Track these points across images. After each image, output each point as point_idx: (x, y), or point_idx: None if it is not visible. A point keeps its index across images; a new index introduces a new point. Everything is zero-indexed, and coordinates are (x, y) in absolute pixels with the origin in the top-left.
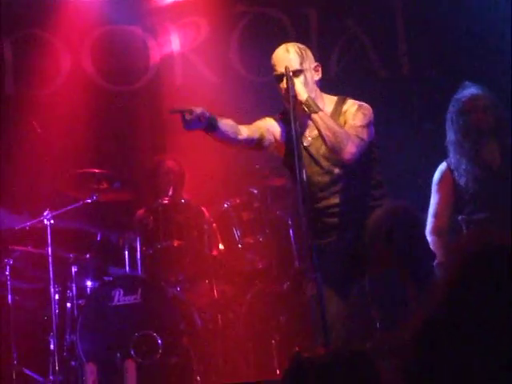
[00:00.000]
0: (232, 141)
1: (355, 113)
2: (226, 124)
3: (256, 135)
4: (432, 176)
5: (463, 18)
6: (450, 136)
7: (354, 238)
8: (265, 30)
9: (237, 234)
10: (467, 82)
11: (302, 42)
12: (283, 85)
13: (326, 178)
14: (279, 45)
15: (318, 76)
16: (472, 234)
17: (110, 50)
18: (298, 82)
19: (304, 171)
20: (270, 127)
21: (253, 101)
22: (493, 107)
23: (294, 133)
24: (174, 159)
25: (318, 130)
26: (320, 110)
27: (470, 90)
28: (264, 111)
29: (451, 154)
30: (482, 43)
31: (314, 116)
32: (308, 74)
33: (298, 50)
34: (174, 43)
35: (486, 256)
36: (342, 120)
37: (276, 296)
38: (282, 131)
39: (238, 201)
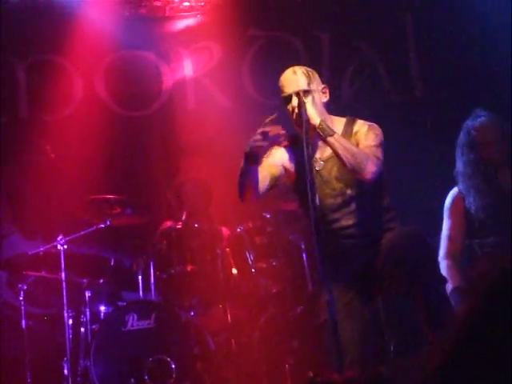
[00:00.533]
0: (255, 187)
1: (367, 133)
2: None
3: (267, 182)
4: (445, 200)
5: (476, 39)
6: (459, 167)
7: (367, 261)
8: (277, 54)
9: (250, 258)
10: (478, 110)
11: (315, 66)
12: (291, 106)
13: (339, 200)
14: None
15: (325, 98)
16: (490, 259)
17: (123, 75)
18: (310, 106)
19: (317, 196)
20: (277, 161)
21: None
22: (504, 137)
23: (306, 157)
24: (192, 182)
25: (336, 153)
26: (334, 132)
27: (480, 120)
28: None
29: (460, 184)
30: (495, 64)
31: (329, 139)
32: (316, 96)
33: (305, 72)
34: (187, 68)
35: (506, 280)
36: (353, 141)
37: (289, 320)
38: (291, 157)
39: (250, 225)
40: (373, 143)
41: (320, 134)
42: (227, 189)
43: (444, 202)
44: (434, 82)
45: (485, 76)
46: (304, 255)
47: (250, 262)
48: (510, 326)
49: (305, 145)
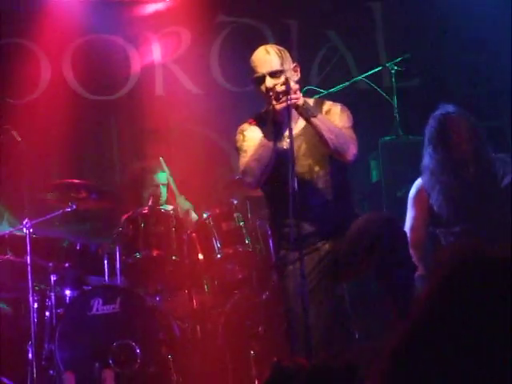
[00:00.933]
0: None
1: (341, 114)
2: None
3: None
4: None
5: (446, 28)
6: (427, 162)
7: (332, 246)
8: (245, 41)
9: (216, 244)
10: (447, 105)
11: None
12: (264, 86)
13: (307, 177)
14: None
15: (297, 76)
16: (452, 247)
17: (90, 60)
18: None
19: (296, 180)
20: (256, 140)
21: (234, 111)
22: (474, 135)
23: (290, 138)
24: (153, 169)
25: (319, 134)
26: (318, 112)
27: (451, 117)
28: (244, 120)
29: (425, 178)
30: (466, 53)
31: (313, 120)
32: (288, 74)
33: (277, 51)
34: (155, 53)
35: (467, 268)
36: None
37: (255, 306)
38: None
39: (217, 211)
40: (347, 125)
41: (302, 114)
42: (193, 175)
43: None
44: (402, 71)
45: (455, 65)
46: (270, 241)
47: (217, 248)
48: (465, 315)
49: (289, 125)
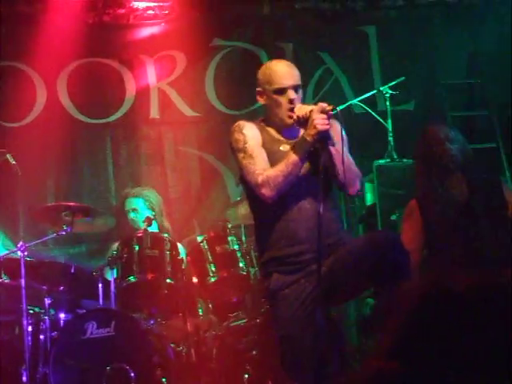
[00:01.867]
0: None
1: (343, 136)
2: None
3: None
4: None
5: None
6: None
7: (330, 267)
8: (240, 64)
9: (211, 267)
10: (435, 122)
11: None
12: (286, 98)
13: (303, 185)
14: (255, 78)
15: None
16: (420, 279)
17: (86, 83)
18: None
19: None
20: (260, 146)
21: (228, 133)
22: (459, 149)
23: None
24: (143, 194)
25: (331, 163)
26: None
27: (437, 132)
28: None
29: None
30: (460, 76)
31: (331, 148)
32: (300, 91)
33: (296, 67)
34: (150, 76)
35: (431, 300)
36: None
37: (249, 329)
38: (262, 138)
39: (212, 234)
40: (347, 150)
41: (323, 140)
42: (188, 199)
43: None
44: (397, 95)
45: (450, 89)
46: None
47: (211, 271)
48: (431, 340)
49: (325, 153)
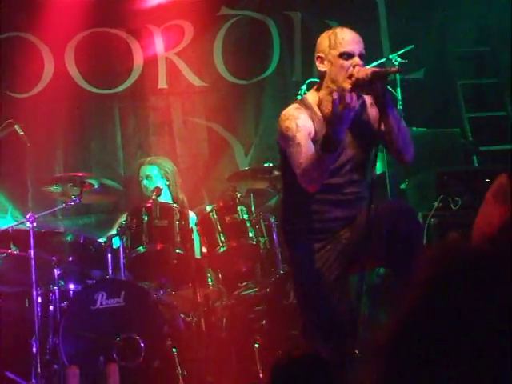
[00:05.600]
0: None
1: None
2: None
3: None
4: None
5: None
6: None
7: (351, 235)
8: (248, 33)
9: (220, 237)
10: None
11: (287, 45)
12: (352, 62)
13: (347, 167)
14: (264, 47)
15: None
16: (440, 244)
17: (93, 53)
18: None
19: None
20: (309, 137)
21: (237, 103)
22: None
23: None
24: (158, 162)
25: (390, 129)
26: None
27: None
28: (248, 113)
29: None
30: (471, 46)
31: (391, 112)
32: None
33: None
34: (158, 46)
35: (457, 263)
36: (369, 110)
37: (259, 299)
38: (314, 127)
39: (221, 204)
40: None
41: (385, 103)
42: (197, 168)
43: None
44: (406, 63)
45: (460, 56)
46: (275, 234)
47: (220, 241)
48: (457, 309)
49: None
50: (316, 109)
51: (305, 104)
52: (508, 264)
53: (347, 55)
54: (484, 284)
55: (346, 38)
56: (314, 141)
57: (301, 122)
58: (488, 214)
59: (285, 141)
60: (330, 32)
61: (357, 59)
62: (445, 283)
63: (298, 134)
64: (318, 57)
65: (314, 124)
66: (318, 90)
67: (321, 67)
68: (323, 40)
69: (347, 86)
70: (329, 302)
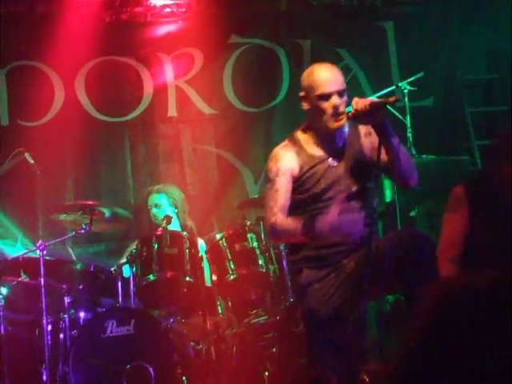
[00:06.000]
0: None
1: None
2: None
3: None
4: None
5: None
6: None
7: (357, 263)
8: (258, 61)
9: (230, 265)
10: None
11: (297, 72)
12: (330, 104)
13: (342, 196)
14: (273, 75)
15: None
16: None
17: (104, 81)
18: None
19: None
20: (290, 181)
21: (247, 130)
22: None
23: (378, 154)
24: (167, 191)
25: (393, 156)
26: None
27: None
28: (257, 141)
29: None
30: (480, 73)
31: (393, 140)
32: (345, 95)
33: (340, 71)
34: (168, 74)
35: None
36: (367, 142)
37: (269, 327)
38: (299, 164)
39: (231, 232)
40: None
41: (385, 131)
42: (207, 196)
43: None
44: (415, 91)
45: (469, 84)
46: (284, 262)
47: (230, 269)
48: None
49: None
50: (305, 145)
51: (293, 140)
52: (496, 296)
53: (325, 97)
54: (478, 314)
55: (322, 79)
56: (299, 177)
57: (284, 164)
58: (449, 234)
59: (266, 179)
60: (309, 71)
61: (334, 99)
62: (443, 316)
63: (277, 178)
64: (302, 96)
65: (298, 161)
66: (306, 127)
67: (305, 106)
68: (304, 80)
69: (332, 125)
70: (332, 330)
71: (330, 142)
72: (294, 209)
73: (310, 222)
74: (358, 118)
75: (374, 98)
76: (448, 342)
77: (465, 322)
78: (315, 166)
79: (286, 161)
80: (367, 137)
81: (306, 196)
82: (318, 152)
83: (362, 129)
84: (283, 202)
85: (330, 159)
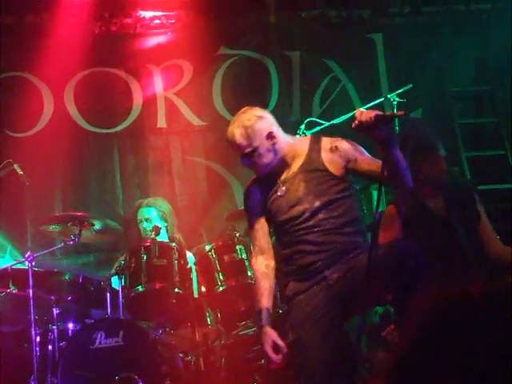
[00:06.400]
0: None
1: (356, 147)
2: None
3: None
4: None
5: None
6: None
7: (343, 274)
8: (247, 73)
9: (219, 276)
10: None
11: (285, 84)
12: (253, 158)
13: (307, 214)
14: (262, 86)
15: (273, 141)
16: (435, 288)
17: (93, 92)
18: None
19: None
20: (261, 215)
21: None
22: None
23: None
24: (157, 204)
25: (395, 167)
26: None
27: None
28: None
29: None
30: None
31: (396, 152)
32: (262, 148)
33: (243, 133)
34: (157, 85)
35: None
36: (330, 156)
37: (258, 339)
38: (262, 195)
39: (220, 243)
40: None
41: (389, 143)
42: (196, 208)
43: None
44: (404, 102)
45: (459, 97)
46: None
47: (219, 280)
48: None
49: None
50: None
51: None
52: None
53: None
54: (472, 319)
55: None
56: (266, 206)
57: (249, 201)
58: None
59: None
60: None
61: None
62: (438, 320)
63: (249, 217)
64: None
65: (262, 192)
66: None
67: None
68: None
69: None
70: (311, 345)
71: (285, 166)
72: (279, 234)
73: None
74: (360, 130)
75: (377, 112)
76: (443, 345)
77: (460, 326)
78: (275, 192)
79: (252, 197)
80: (333, 152)
81: (277, 221)
82: (278, 177)
83: (327, 144)
84: (261, 241)
85: (281, 189)
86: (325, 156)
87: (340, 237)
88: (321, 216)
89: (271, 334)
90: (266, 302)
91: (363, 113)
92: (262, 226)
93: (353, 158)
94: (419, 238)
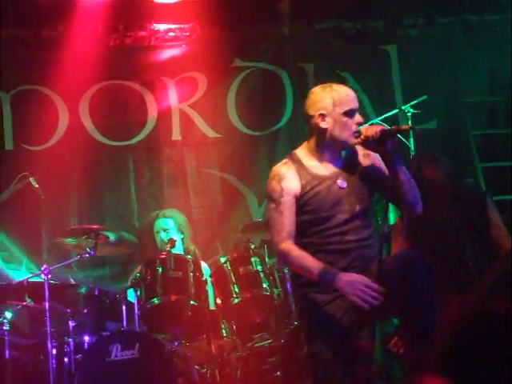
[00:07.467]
0: None
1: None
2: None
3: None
4: None
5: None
6: None
7: None
8: (262, 84)
9: (234, 288)
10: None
11: (300, 96)
12: (353, 121)
13: (347, 215)
14: (277, 98)
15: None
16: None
17: (108, 105)
18: None
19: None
20: (294, 202)
21: (251, 154)
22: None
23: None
24: (174, 216)
25: (400, 183)
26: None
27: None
28: (261, 164)
29: None
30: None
31: (401, 168)
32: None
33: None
34: (172, 98)
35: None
36: (366, 161)
37: (273, 350)
38: (301, 183)
39: (235, 255)
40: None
41: (394, 158)
42: (212, 219)
43: None
44: (419, 113)
45: (473, 108)
46: (288, 285)
47: (234, 292)
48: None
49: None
50: (306, 163)
51: (293, 159)
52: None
53: (351, 113)
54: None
55: (350, 96)
56: (301, 197)
57: (286, 182)
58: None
59: (270, 201)
60: (329, 89)
61: (358, 116)
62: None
63: (282, 199)
64: (321, 114)
65: (300, 179)
66: (310, 145)
67: (323, 124)
68: (325, 97)
69: (352, 141)
70: (338, 356)
71: (332, 161)
72: (299, 231)
73: (319, 267)
74: (367, 144)
75: (382, 127)
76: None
77: (485, 341)
78: (318, 185)
79: (288, 180)
80: (366, 157)
81: (310, 217)
82: (319, 171)
83: (360, 149)
84: (290, 226)
85: (339, 180)
86: (362, 160)
87: (364, 250)
88: (357, 222)
89: (353, 274)
90: (319, 262)
91: (369, 128)
92: (293, 212)
93: (377, 166)
94: (424, 245)
